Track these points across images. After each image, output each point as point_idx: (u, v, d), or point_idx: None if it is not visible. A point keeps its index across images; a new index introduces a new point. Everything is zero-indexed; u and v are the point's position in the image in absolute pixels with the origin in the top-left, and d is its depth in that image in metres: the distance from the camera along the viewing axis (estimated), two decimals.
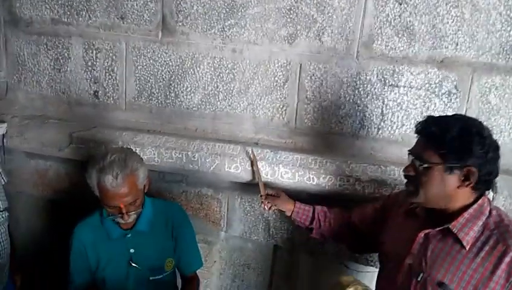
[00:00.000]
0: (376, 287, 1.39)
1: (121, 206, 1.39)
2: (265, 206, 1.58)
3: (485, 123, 1.16)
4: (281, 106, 1.84)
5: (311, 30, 1.72)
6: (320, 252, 1.89)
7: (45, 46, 2.03)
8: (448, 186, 1.09)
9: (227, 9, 1.78)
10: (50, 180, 2.13)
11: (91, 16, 1.94)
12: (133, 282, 1.54)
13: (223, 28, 1.81)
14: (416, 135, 1.18)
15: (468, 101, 1.66)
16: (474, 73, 1.63)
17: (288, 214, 1.58)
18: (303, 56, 1.77)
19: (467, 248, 1.09)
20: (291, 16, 1.73)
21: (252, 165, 1.72)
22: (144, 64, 1.94)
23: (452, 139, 1.06)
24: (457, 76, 1.65)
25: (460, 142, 1.06)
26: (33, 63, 2.06)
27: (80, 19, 1.95)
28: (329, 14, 1.69)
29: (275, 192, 1.61)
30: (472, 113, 1.65)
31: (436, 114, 1.67)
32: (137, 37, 1.92)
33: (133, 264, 1.52)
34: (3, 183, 1.70)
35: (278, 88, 1.82)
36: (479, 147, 1.05)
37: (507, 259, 1.04)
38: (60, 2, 1.95)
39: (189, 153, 1.80)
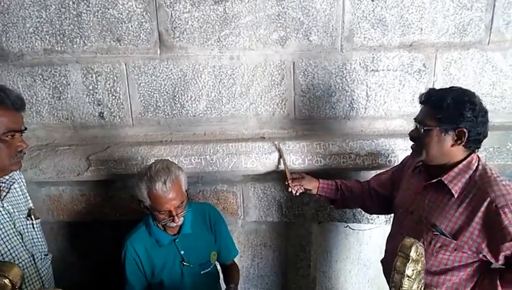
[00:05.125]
0: (390, 231, 1.70)
1: (171, 209, 1.55)
2: (293, 190, 1.73)
3: None
4: (281, 101, 2.05)
5: (299, 31, 1.94)
6: (328, 219, 2.19)
7: (41, 77, 2.02)
8: (444, 145, 1.34)
9: (221, 21, 1.93)
10: (65, 204, 2.18)
11: (86, 41, 1.96)
12: (188, 279, 1.72)
13: (219, 38, 1.96)
14: (420, 104, 1.42)
15: (434, 75, 1.99)
16: (437, 52, 1.96)
17: (314, 191, 1.76)
18: (295, 55, 1.98)
19: (455, 196, 1.35)
20: (280, 21, 1.93)
21: (280, 156, 1.86)
22: (146, 81, 2.02)
23: (447, 106, 1.30)
24: (424, 56, 1.97)
25: (453, 108, 1.29)
26: (30, 94, 2.04)
27: (75, 46, 1.97)
28: (314, 16, 1.91)
29: (299, 175, 1.78)
30: (438, 85, 1.99)
31: (410, 89, 2.02)
32: (136, 56, 1.99)
33: (186, 264, 1.70)
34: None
35: (276, 86, 2.03)
36: (470, 112, 1.29)
37: (485, 203, 1.29)
38: (50, 32, 1.95)
39: (207, 156, 1.97)
